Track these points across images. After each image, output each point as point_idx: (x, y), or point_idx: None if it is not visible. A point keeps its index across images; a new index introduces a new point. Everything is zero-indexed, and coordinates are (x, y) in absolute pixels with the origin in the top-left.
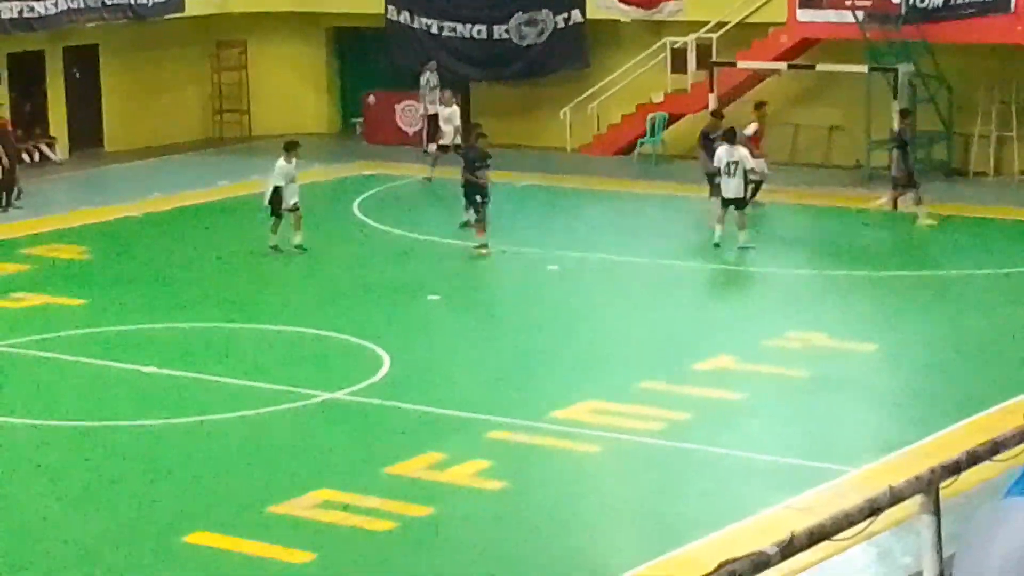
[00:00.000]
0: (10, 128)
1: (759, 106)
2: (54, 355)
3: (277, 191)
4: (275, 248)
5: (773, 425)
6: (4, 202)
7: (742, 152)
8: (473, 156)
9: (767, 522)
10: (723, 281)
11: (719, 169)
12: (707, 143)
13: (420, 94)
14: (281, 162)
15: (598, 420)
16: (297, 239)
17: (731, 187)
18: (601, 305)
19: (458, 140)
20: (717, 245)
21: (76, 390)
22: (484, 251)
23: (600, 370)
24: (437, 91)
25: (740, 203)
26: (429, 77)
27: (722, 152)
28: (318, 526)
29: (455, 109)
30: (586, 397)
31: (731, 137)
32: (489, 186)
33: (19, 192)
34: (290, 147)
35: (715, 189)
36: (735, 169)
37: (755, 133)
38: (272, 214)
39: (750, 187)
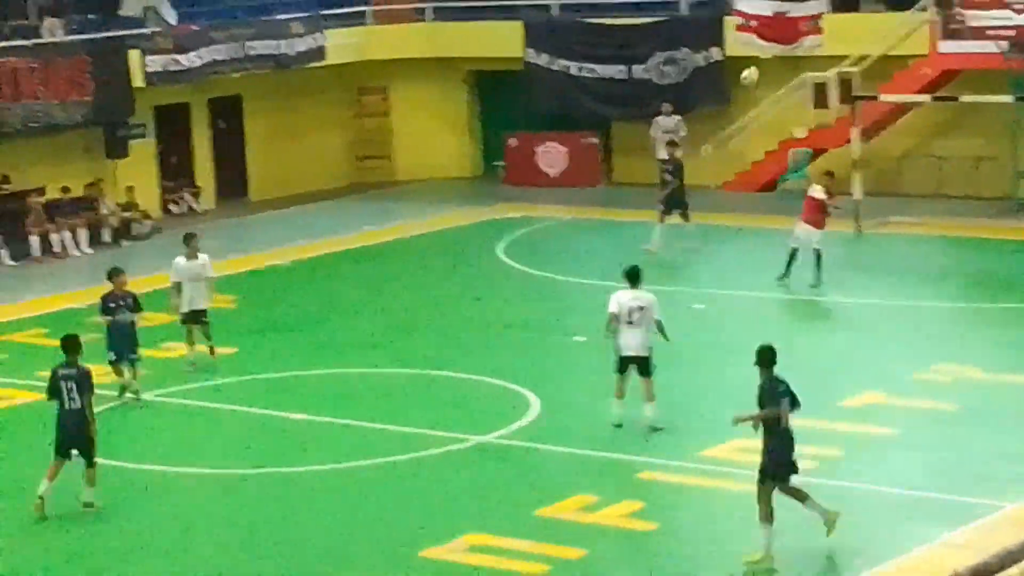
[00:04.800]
0: None
1: (829, 174)
2: (205, 404)
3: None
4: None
5: (926, 460)
6: None
7: (651, 298)
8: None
9: (924, 559)
10: (868, 316)
11: (616, 317)
12: None
13: (652, 137)
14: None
15: (749, 459)
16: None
17: (633, 341)
18: (747, 343)
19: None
20: (619, 426)
21: (227, 438)
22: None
23: (748, 408)
24: (672, 136)
25: (644, 365)
26: (661, 121)
27: (624, 295)
28: (470, 570)
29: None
30: (735, 435)
31: (634, 277)
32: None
33: None
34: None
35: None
36: (639, 318)
37: (824, 196)
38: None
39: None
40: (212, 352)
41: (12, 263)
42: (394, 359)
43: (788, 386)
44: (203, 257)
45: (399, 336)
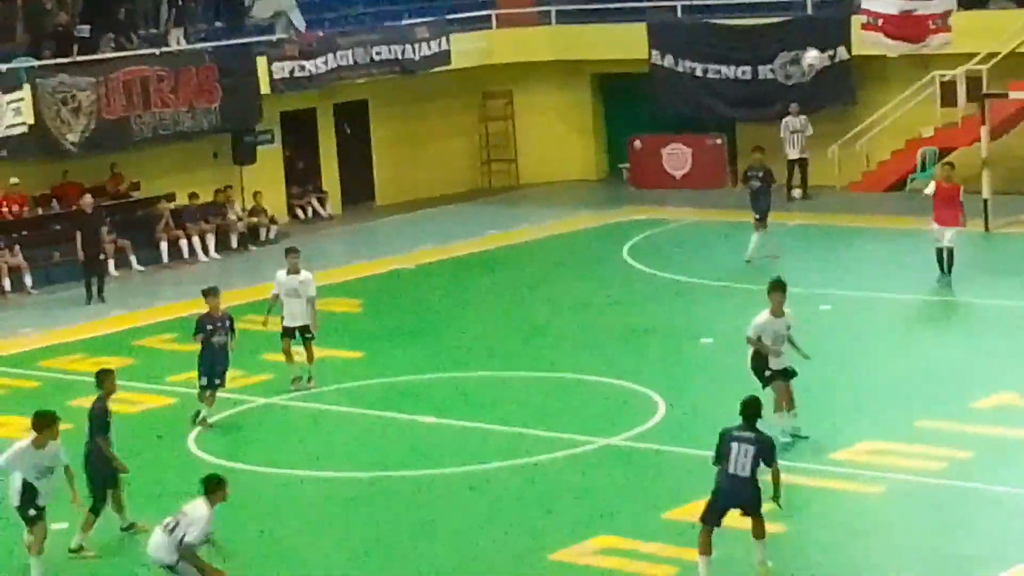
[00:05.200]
0: (90, 212)
1: (949, 164)
2: (334, 407)
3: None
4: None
5: None
6: (90, 292)
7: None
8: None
9: None
10: (998, 316)
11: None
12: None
13: (782, 138)
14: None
15: (878, 460)
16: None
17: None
18: (875, 344)
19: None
20: (800, 436)
21: (356, 442)
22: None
23: (877, 410)
24: (800, 136)
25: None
26: (789, 121)
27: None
28: (599, 573)
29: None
30: (865, 437)
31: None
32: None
33: (100, 287)
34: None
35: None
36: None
37: (931, 192)
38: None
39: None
40: (310, 359)
41: (141, 268)
42: (519, 363)
43: (764, 442)
44: (305, 275)
45: (524, 340)
